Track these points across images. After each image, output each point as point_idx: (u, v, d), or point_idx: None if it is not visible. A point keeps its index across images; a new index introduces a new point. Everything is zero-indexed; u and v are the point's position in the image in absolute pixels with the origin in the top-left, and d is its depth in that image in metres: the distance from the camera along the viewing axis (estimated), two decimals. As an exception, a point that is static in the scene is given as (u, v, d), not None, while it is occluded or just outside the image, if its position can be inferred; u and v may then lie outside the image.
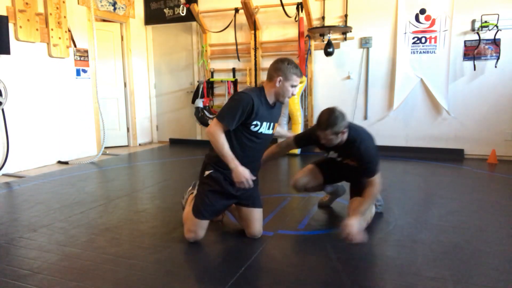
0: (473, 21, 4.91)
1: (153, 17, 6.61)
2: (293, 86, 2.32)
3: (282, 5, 5.31)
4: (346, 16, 5.47)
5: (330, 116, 2.29)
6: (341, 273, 2.01)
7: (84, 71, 5.54)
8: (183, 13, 5.97)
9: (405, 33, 5.22)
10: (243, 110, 2.21)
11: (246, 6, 5.54)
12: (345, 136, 2.38)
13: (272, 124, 2.39)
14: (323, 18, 5.58)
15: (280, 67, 2.30)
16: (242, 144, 2.32)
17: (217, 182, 2.36)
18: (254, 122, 2.27)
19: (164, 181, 3.50)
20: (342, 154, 2.56)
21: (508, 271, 2.00)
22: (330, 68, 5.68)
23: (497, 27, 4.75)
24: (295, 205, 3.20)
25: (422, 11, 5.12)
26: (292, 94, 2.34)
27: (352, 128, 2.44)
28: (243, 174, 2.21)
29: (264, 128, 2.34)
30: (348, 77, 5.61)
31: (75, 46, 5.34)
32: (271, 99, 2.35)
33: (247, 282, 1.93)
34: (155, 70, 6.83)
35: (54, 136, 5.12)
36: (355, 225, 2.19)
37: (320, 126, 2.33)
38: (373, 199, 2.43)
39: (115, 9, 6.04)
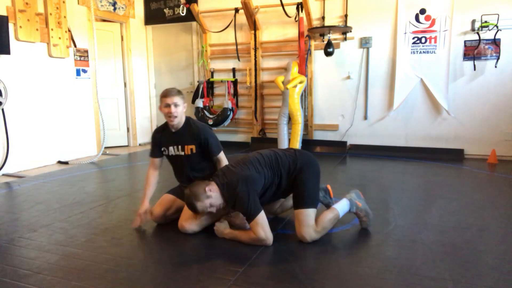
0: (473, 21, 4.91)
1: (153, 17, 6.61)
2: (166, 105, 2.59)
3: (282, 5, 5.31)
4: (346, 16, 5.47)
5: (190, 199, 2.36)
6: (342, 273, 2.01)
7: (84, 71, 5.54)
8: (183, 13, 5.97)
9: (405, 33, 5.22)
10: (153, 143, 2.81)
11: (246, 6, 5.54)
12: (215, 198, 2.36)
13: (178, 146, 2.72)
14: (323, 18, 5.58)
15: None
16: (172, 165, 2.87)
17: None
18: (162, 149, 2.78)
19: (164, 181, 3.50)
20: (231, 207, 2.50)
21: (508, 272, 2.00)
22: (330, 68, 5.68)
23: (497, 27, 4.75)
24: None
25: (422, 11, 5.12)
26: (169, 113, 2.59)
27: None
28: (140, 210, 2.71)
29: (172, 151, 2.74)
30: (348, 77, 5.61)
31: (75, 46, 5.35)
32: (170, 125, 2.70)
33: (247, 282, 1.93)
34: (155, 70, 6.83)
35: (54, 136, 5.12)
36: (224, 232, 2.46)
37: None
38: (251, 241, 2.36)
39: (115, 9, 6.04)
